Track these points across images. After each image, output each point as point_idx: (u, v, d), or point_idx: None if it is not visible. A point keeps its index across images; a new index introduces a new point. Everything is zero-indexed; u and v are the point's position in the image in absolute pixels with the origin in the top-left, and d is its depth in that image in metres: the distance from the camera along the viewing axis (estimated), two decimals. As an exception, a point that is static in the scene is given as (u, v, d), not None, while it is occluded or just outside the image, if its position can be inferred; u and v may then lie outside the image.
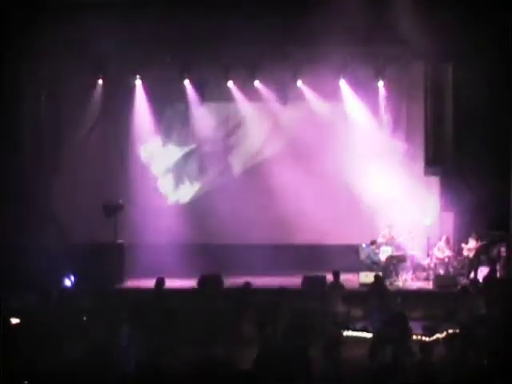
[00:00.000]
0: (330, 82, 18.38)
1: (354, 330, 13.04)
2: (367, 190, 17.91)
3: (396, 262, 17.03)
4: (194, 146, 19.50)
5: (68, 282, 15.12)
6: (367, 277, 16.07)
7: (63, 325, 11.27)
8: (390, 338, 10.61)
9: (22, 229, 17.28)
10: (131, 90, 18.84)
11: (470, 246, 16.79)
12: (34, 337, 10.38)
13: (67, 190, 18.50)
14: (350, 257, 17.35)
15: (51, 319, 11.47)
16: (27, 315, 11.35)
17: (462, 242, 17.05)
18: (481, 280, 15.58)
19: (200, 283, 16.12)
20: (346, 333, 12.83)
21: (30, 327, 10.81)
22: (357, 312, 14.08)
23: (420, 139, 18.75)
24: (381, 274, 15.88)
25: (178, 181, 19.53)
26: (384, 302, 13.46)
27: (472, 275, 16.38)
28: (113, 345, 9.70)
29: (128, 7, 16.47)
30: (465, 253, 16.84)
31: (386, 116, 18.74)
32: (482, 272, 16.18)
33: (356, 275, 16.80)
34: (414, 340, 11.60)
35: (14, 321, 11.22)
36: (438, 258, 17.03)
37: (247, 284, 13.69)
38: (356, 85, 18.40)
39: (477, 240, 16.77)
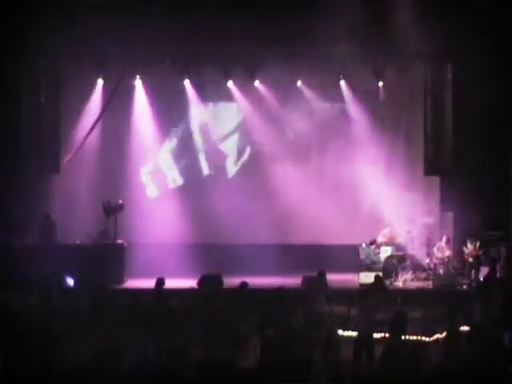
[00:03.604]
0: (330, 82, 18.41)
1: (354, 330, 13.02)
2: (367, 190, 17.92)
3: (396, 262, 17.04)
4: (193, 146, 19.52)
5: (68, 282, 15.11)
6: (367, 277, 16.06)
7: (63, 325, 11.26)
8: (373, 338, 10.64)
9: (22, 229, 17.28)
10: (131, 90, 18.85)
11: (470, 250, 16.81)
12: (35, 337, 10.37)
13: (67, 189, 18.50)
14: (350, 257, 17.36)
15: (51, 319, 11.46)
16: (27, 315, 11.35)
17: (462, 244, 17.06)
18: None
19: (200, 283, 16.12)
20: (346, 333, 12.81)
21: (31, 327, 10.80)
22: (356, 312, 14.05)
23: (420, 139, 18.77)
24: (381, 274, 15.87)
25: (177, 180, 19.55)
26: (383, 302, 13.44)
27: (473, 276, 16.42)
28: (113, 345, 9.70)
29: (128, 7, 16.47)
30: (466, 251, 16.87)
31: (385, 116, 18.75)
32: (482, 272, 16.19)
33: (356, 275, 16.81)
34: (413, 340, 11.61)
35: (13, 321, 11.20)
36: (437, 258, 17.02)
37: (244, 284, 13.64)
38: (356, 85, 18.42)
39: (473, 243, 16.79)
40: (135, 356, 9.78)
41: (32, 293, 13.00)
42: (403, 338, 9.87)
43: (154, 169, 19.46)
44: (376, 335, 11.15)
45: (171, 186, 19.48)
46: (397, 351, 8.99)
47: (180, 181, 19.55)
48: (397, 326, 9.47)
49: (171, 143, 19.50)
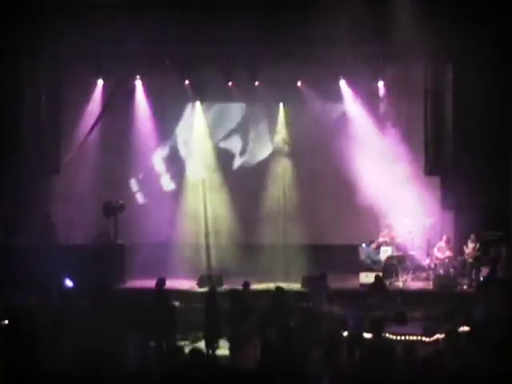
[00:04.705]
0: (330, 82, 18.41)
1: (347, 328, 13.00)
2: (367, 190, 17.90)
3: (396, 262, 17.05)
4: (192, 145, 19.52)
5: (68, 283, 15.11)
6: (367, 277, 16.09)
7: (63, 325, 11.27)
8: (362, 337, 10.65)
9: (22, 229, 17.29)
10: (131, 89, 18.85)
11: (469, 249, 16.81)
12: (34, 337, 10.37)
13: (67, 189, 18.50)
14: (350, 257, 17.36)
15: (51, 319, 11.46)
16: (27, 315, 11.34)
17: (463, 243, 17.05)
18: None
19: (200, 283, 16.15)
20: (346, 333, 12.80)
21: (30, 327, 10.80)
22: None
23: (420, 139, 18.77)
24: (381, 274, 15.89)
25: (178, 180, 19.56)
26: (383, 302, 13.46)
27: (473, 276, 16.43)
28: (113, 345, 9.70)
29: (128, 7, 16.47)
30: (466, 251, 16.86)
31: (385, 116, 18.75)
32: (482, 272, 16.20)
33: (356, 275, 16.81)
34: (412, 340, 11.63)
35: (14, 321, 11.20)
36: (438, 258, 17.03)
37: (246, 283, 13.68)
38: (356, 85, 18.42)
39: (475, 242, 16.78)
40: (135, 356, 9.78)
41: (32, 293, 13.00)
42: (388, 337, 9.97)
43: (153, 169, 19.46)
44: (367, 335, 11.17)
45: (170, 186, 19.46)
46: (379, 350, 9.04)
47: (179, 181, 19.54)
48: (375, 327, 9.55)
49: (171, 143, 19.50)
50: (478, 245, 16.73)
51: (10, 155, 17.80)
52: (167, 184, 19.48)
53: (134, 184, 19.18)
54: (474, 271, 16.51)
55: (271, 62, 17.94)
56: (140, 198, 19.12)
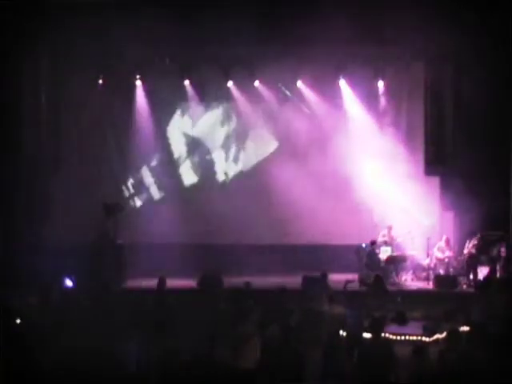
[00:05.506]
0: (330, 82, 18.42)
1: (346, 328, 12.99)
2: (367, 190, 17.91)
3: (396, 262, 17.06)
4: (193, 145, 19.52)
5: (68, 282, 15.11)
6: (367, 277, 16.08)
7: (63, 325, 11.27)
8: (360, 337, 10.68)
9: (21, 229, 17.28)
10: (131, 89, 18.86)
11: (468, 247, 16.81)
12: (34, 337, 10.37)
13: (67, 189, 18.50)
14: (350, 257, 17.36)
15: (51, 319, 11.46)
16: (27, 315, 11.35)
17: (463, 244, 17.03)
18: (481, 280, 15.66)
19: (200, 283, 16.13)
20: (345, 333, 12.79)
21: (30, 327, 10.81)
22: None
23: (420, 139, 18.77)
24: (381, 273, 15.88)
25: (177, 181, 19.56)
26: (383, 302, 13.47)
27: (471, 275, 16.44)
28: (113, 345, 9.70)
29: (128, 7, 16.46)
30: (465, 251, 16.86)
31: (385, 116, 18.75)
32: (482, 272, 16.21)
33: (356, 275, 16.80)
34: (412, 340, 11.65)
35: (15, 321, 11.20)
36: (437, 258, 17.05)
37: (248, 284, 13.70)
38: (356, 85, 18.43)
39: (472, 243, 16.77)
40: (135, 356, 9.78)
41: (32, 293, 13.00)
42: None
43: (153, 169, 19.46)
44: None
45: (171, 186, 19.46)
46: (378, 350, 9.05)
47: (180, 181, 19.54)
48: (374, 327, 9.58)
49: (171, 143, 19.50)
50: (475, 243, 16.69)
51: (10, 155, 17.79)
52: (169, 183, 19.47)
53: (131, 185, 19.19)
54: (471, 270, 16.48)
55: (271, 62, 17.95)
56: (138, 200, 19.12)
